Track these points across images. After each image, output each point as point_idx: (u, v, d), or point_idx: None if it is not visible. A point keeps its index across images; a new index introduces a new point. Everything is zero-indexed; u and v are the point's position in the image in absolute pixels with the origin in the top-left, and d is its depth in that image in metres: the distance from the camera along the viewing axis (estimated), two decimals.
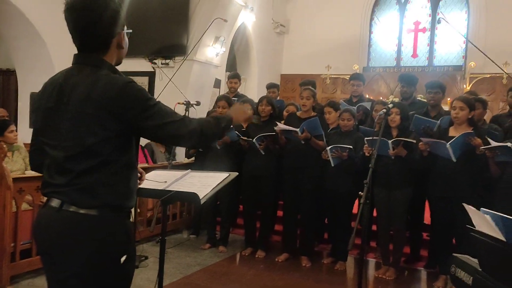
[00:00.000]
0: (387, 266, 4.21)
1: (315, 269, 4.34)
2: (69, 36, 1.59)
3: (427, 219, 4.53)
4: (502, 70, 6.58)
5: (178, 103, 4.14)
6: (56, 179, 1.51)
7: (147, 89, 6.42)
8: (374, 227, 4.68)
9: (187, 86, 6.13)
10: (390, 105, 3.10)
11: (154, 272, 2.11)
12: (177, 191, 1.92)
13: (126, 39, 1.66)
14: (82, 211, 1.47)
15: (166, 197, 1.88)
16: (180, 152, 5.75)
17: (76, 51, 1.61)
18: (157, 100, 1.56)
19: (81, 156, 1.48)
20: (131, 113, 1.49)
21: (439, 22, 6.37)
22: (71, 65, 1.61)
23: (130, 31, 1.66)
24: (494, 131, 4.09)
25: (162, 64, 6.37)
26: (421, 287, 4.16)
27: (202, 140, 1.61)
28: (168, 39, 6.31)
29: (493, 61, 3.91)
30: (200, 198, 1.82)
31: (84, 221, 1.48)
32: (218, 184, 1.95)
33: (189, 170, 2.18)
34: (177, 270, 4.06)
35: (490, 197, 3.70)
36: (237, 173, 2.08)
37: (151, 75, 6.52)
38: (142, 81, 6.54)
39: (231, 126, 1.79)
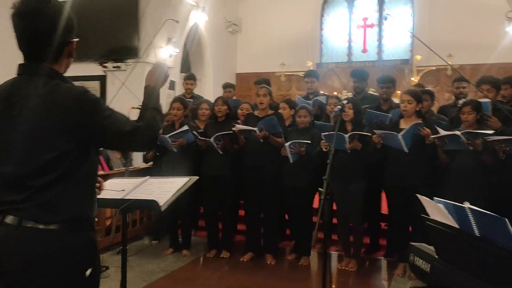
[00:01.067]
0: (348, 258, 4.31)
1: (280, 266, 4.38)
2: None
3: (384, 209, 4.68)
4: (446, 62, 6.89)
5: (133, 108, 4.04)
6: (9, 196, 1.44)
7: (99, 94, 6.29)
8: (334, 220, 4.78)
9: (140, 89, 5.97)
10: (345, 101, 3.17)
11: (116, 282, 2.05)
12: (136, 199, 1.88)
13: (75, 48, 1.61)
14: (43, 227, 1.42)
15: (125, 206, 1.83)
16: (137, 158, 5.62)
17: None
18: (111, 108, 1.53)
19: (39, 170, 1.42)
20: (89, 122, 1.45)
21: (385, 18, 6.57)
22: (16, 75, 1.53)
23: (77, 39, 1.60)
24: (442, 121, 4.27)
25: (113, 67, 6.20)
26: (381, 276, 4.28)
27: (156, 142, 1.63)
28: (118, 42, 6.15)
29: (437, 54, 4.09)
30: (161, 205, 1.79)
31: (47, 236, 1.42)
32: (178, 190, 1.92)
33: (148, 176, 2.13)
34: (140, 278, 3.97)
35: (441, 185, 3.88)
36: (197, 177, 2.05)
37: (102, 79, 6.33)
38: (93, 86, 6.34)
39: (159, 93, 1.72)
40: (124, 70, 6.10)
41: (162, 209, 1.79)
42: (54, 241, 1.43)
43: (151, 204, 1.80)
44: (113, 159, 5.60)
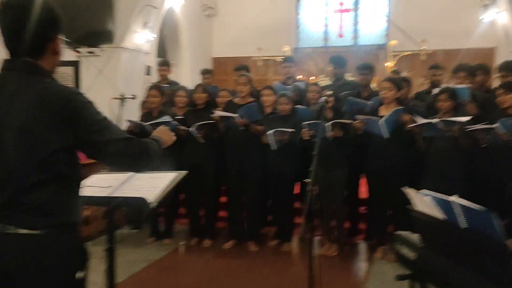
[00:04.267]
0: (330, 243, 4.39)
1: (262, 253, 4.43)
2: None
3: (362, 194, 4.77)
4: (419, 47, 6.98)
5: (113, 98, 3.93)
6: None
7: (73, 80, 6.10)
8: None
9: (116, 75, 5.86)
10: (329, 93, 3.19)
11: (97, 273, 2.02)
12: (124, 197, 1.84)
13: (61, 45, 1.56)
14: (34, 232, 1.37)
15: (113, 204, 1.79)
16: None
17: None
18: (104, 115, 1.49)
19: (31, 171, 1.38)
20: (79, 125, 1.41)
21: None
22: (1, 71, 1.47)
23: (66, 39, 1.56)
24: (419, 108, 4.36)
25: (87, 52, 6.01)
26: (362, 259, 4.40)
27: (149, 163, 1.55)
28: (92, 26, 5.93)
29: (411, 37, 4.15)
30: (149, 202, 1.77)
31: (33, 242, 1.38)
32: (167, 185, 1.90)
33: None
34: (123, 269, 3.91)
35: (419, 169, 3.98)
36: (186, 172, 2.03)
37: (76, 65, 6.14)
38: (66, 72, 6.14)
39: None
40: (99, 55, 5.92)
41: (151, 206, 1.77)
42: (40, 247, 1.39)
43: (140, 202, 1.77)
44: None
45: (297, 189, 4.73)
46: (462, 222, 1.65)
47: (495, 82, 4.73)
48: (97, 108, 1.48)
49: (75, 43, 5.94)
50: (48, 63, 1.50)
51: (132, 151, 1.49)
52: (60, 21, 1.51)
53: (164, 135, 1.76)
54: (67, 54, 5.94)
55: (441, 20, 8.16)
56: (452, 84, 4.17)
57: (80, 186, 1.52)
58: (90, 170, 2.08)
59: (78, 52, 6.01)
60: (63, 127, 1.40)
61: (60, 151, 1.40)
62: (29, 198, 1.38)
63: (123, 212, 5.29)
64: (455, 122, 3.55)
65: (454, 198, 1.66)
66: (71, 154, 1.46)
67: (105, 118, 1.48)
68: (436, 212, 1.79)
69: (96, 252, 3.41)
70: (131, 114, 5.10)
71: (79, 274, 1.46)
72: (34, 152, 1.38)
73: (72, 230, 1.47)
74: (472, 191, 3.81)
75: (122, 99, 3.71)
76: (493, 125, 3.45)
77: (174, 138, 1.84)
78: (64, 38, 1.58)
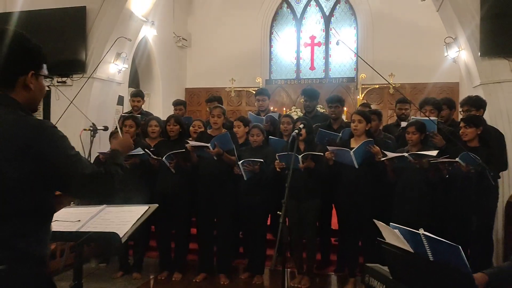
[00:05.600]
0: (301, 275, 4.37)
1: (233, 286, 4.35)
2: None
3: (334, 224, 4.80)
4: (387, 81, 7.23)
5: (84, 130, 3.87)
6: None
7: (42, 110, 5.98)
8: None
9: (88, 105, 5.79)
10: (301, 126, 3.26)
11: None
12: (94, 232, 1.80)
13: (41, 83, 1.57)
14: None
15: (82, 239, 1.75)
16: None
17: None
18: (76, 150, 1.50)
19: None
20: (52, 159, 1.41)
21: (337, 44, 6.82)
22: None
23: (46, 74, 1.59)
24: (388, 139, 4.49)
25: (58, 82, 5.94)
26: None
27: (114, 192, 1.58)
28: (64, 55, 5.90)
29: (379, 74, 4.33)
30: (121, 237, 1.73)
31: (2, 277, 1.33)
32: (138, 219, 1.87)
33: (104, 205, 2.06)
34: None
35: (388, 201, 4.06)
36: (156, 205, 2.01)
37: (46, 94, 6.04)
38: None
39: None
40: (70, 85, 5.86)
41: (123, 241, 1.73)
42: (5, 282, 1.34)
43: (111, 237, 1.73)
44: None
45: (269, 221, 4.73)
46: (430, 255, 1.68)
47: (460, 115, 4.93)
48: (69, 143, 1.49)
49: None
50: (21, 97, 1.50)
51: (100, 186, 1.51)
52: (35, 56, 1.53)
53: (122, 145, 1.82)
54: None
55: (407, 55, 8.52)
56: (419, 117, 4.32)
57: (49, 219, 1.50)
58: (59, 203, 2.03)
59: (49, 81, 5.93)
60: (37, 160, 1.39)
61: (24, 185, 1.38)
62: None
63: (91, 246, 5.13)
64: (424, 155, 3.68)
65: (422, 231, 1.70)
66: (40, 187, 1.44)
67: (76, 154, 1.48)
68: (404, 245, 1.82)
69: (63, 287, 3.28)
70: (101, 144, 5.04)
71: None
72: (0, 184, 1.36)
73: (38, 264, 1.43)
74: (439, 222, 3.92)
75: (94, 130, 3.68)
76: (455, 159, 3.61)
77: (132, 145, 1.91)
78: (44, 74, 1.57)
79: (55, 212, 1.56)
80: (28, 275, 1.40)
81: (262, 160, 4.18)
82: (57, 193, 1.55)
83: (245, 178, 4.19)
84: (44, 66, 1.59)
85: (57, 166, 1.42)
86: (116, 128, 4.73)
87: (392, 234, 1.89)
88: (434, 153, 3.68)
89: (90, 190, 1.51)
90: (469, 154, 3.43)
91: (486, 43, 4.96)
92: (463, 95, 6.66)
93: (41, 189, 1.45)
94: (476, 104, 4.32)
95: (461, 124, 3.95)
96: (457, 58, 5.91)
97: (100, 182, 1.51)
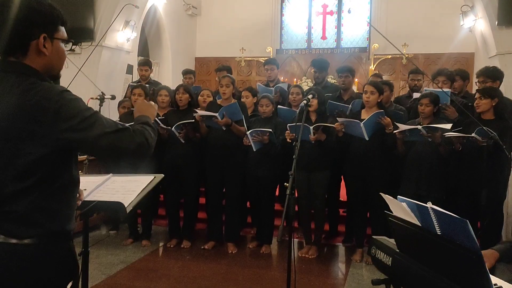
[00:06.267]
0: (309, 245, 4.40)
1: (241, 255, 4.41)
2: None
3: (342, 196, 4.80)
4: (400, 52, 7.06)
5: (92, 98, 3.85)
6: None
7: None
8: (295, 208, 4.85)
9: (96, 74, 5.77)
10: (310, 96, 3.19)
11: None
12: (100, 201, 1.80)
13: (58, 47, 1.49)
14: (18, 242, 1.32)
15: (87, 208, 1.75)
16: None
17: None
18: (94, 110, 1.42)
19: (11, 178, 1.31)
20: (68, 124, 1.33)
21: (349, 12, 6.64)
22: None
23: (72, 41, 1.53)
24: (399, 111, 4.42)
25: (66, 50, 5.88)
26: (340, 262, 4.42)
27: (148, 152, 1.46)
28: (72, 23, 5.79)
29: (392, 44, 4.20)
30: (126, 206, 1.73)
31: (21, 252, 1.32)
32: (144, 189, 1.87)
33: (110, 174, 2.06)
34: (99, 271, 3.89)
35: (398, 174, 4.03)
36: (162, 175, 2.00)
37: None
38: None
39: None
40: (79, 53, 5.81)
41: (128, 210, 1.74)
42: (29, 257, 1.34)
43: (116, 206, 1.73)
44: None
45: (277, 191, 4.74)
46: (438, 229, 1.66)
47: (475, 87, 4.82)
48: (83, 103, 1.42)
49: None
50: (36, 63, 1.42)
51: (130, 143, 1.40)
52: (47, 18, 1.44)
53: (147, 110, 1.66)
54: None
55: (422, 25, 8.28)
56: (432, 89, 4.22)
57: (72, 192, 1.45)
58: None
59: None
60: (52, 128, 1.32)
61: (47, 154, 1.34)
62: (11, 207, 1.32)
63: (101, 213, 5.21)
64: (437, 128, 3.61)
65: (430, 204, 1.67)
66: (62, 157, 1.39)
67: (94, 113, 1.40)
68: (412, 218, 1.80)
69: None
70: (111, 113, 5.03)
71: (69, 284, 1.42)
72: (16, 156, 1.32)
73: (61, 239, 1.41)
74: (448, 196, 3.89)
75: (101, 99, 3.66)
76: (472, 134, 3.52)
77: (156, 106, 1.75)
78: (60, 37, 1.49)
79: (78, 185, 1.49)
80: (54, 250, 1.38)
81: (270, 130, 4.14)
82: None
83: (254, 149, 4.17)
84: (61, 28, 1.50)
85: (74, 131, 1.34)
86: (125, 97, 4.72)
87: (400, 207, 1.86)
88: (448, 126, 3.59)
89: (119, 149, 1.39)
90: (483, 129, 3.35)
91: (504, 11, 4.79)
92: (478, 66, 6.49)
93: (61, 162, 1.39)
94: (493, 75, 4.19)
95: (476, 95, 3.83)
96: (473, 28, 5.73)
97: (127, 138, 1.40)
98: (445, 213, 1.59)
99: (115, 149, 1.39)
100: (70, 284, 1.44)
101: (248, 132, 4.11)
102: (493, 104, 3.74)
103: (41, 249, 1.35)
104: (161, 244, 4.73)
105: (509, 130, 3.73)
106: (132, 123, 1.53)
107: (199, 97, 4.91)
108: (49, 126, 1.32)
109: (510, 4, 4.76)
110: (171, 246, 4.60)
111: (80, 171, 2.07)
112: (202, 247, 4.50)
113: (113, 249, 4.49)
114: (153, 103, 1.76)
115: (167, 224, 4.88)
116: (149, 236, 4.76)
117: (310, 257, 4.30)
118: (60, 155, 1.37)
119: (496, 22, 4.85)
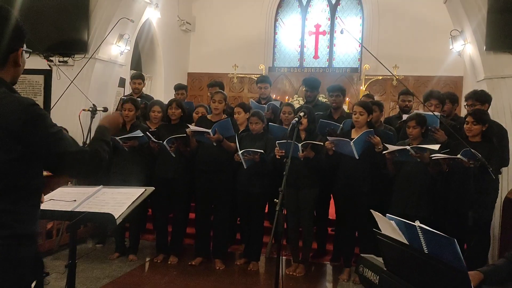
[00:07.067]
0: (297, 263, 4.39)
1: (229, 271, 4.37)
2: None
3: (331, 214, 4.81)
4: (391, 73, 7.19)
5: (84, 110, 3.84)
6: None
7: (43, 89, 5.95)
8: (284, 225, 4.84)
9: (88, 86, 5.76)
10: (301, 114, 3.22)
11: None
12: (89, 212, 1.80)
13: (24, 57, 1.57)
14: None
15: (76, 219, 1.75)
16: None
17: None
18: (59, 126, 1.50)
19: None
20: (34, 137, 1.41)
21: (342, 32, 6.76)
22: None
23: (30, 50, 1.58)
24: (389, 131, 4.47)
25: (59, 62, 5.90)
26: (327, 281, 4.40)
27: (102, 170, 1.57)
28: (66, 35, 5.86)
29: (383, 65, 4.28)
30: (116, 218, 1.73)
31: None
32: (134, 201, 1.86)
33: (101, 186, 2.05)
34: (84, 285, 3.82)
35: (387, 193, 4.05)
36: (153, 188, 2.00)
37: (47, 74, 5.99)
38: (37, 80, 5.98)
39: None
40: (72, 65, 5.82)
41: (117, 223, 1.73)
42: None
43: (106, 218, 1.73)
44: None
45: (266, 208, 4.73)
46: (425, 247, 1.67)
47: (464, 110, 4.91)
48: (50, 120, 1.48)
49: (47, 52, 5.83)
50: (9, 74, 1.50)
51: (86, 163, 1.50)
52: (23, 32, 1.52)
53: (110, 121, 1.77)
54: (39, 63, 5.81)
55: (412, 47, 8.44)
56: (421, 111, 4.29)
57: (37, 197, 1.50)
58: (56, 182, 2.03)
59: (50, 61, 5.88)
60: (19, 138, 1.38)
61: (15, 160, 1.39)
62: None
63: (88, 226, 5.15)
64: (425, 149, 3.66)
65: (418, 223, 1.69)
66: (30, 163, 1.44)
67: (59, 131, 1.48)
68: (400, 237, 1.81)
69: (57, 267, 3.31)
70: None
71: (32, 284, 1.44)
72: None
73: (28, 240, 1.45)
74: (436, 216, 3.92)
75: (93, 111, 3.66)
76: (457, 156, 3.58)
77: (120, 122, 1.88)
78: (27, 49, 1.58)
79: (43, 189, 1.56)
80: (19, 251, 1.41)
81: (262, 151, 4.15)
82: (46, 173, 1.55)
83: (245, 167, 4.17)
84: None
85: (40, 145, 1.42)
86: (117, 110, 4.72)
87: (388, 225, 1.88)
88: (436, 147, 3.65)
89: (75, 168, 1.50)
90: (470, 150, 3.40)
91: (492, 37, 4.91)
92: (466, 89, 6.62)
93: (27, 168, 1.44)
94: (482, 98, 4.27)
95: (469, 119, 3.89)
96: (462, 52, 5.86)
97: (85, 159, 1.50)
98: (433, 231, 1.61)
99: (74, 168, 1.51)
100: (34, 283, 1.47)
101: (239, 152, 4.11)
102: (483, 129, 3.82)
103: (7, 250, 1.39)
104: (147, 259, 4.68)
105: (496, 152, 3.79)
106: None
107: (194, 113, 4.93)
108: (17, 135, 1.38)
109: (498, 30, 4.89)
110: (158, 261, 4.55)
111: (69, 182, 2.07)
112: (190, 263, 4.45)
113: (99, 263, 4.43)
114: (119, 117, 1.89)
115: (155, 238, 4.83)
116: (136, 251, 4.71)
117: (297, 275, 4.28)
118: (26, 162, 1.43)
119: (484, 47, 4.97)
